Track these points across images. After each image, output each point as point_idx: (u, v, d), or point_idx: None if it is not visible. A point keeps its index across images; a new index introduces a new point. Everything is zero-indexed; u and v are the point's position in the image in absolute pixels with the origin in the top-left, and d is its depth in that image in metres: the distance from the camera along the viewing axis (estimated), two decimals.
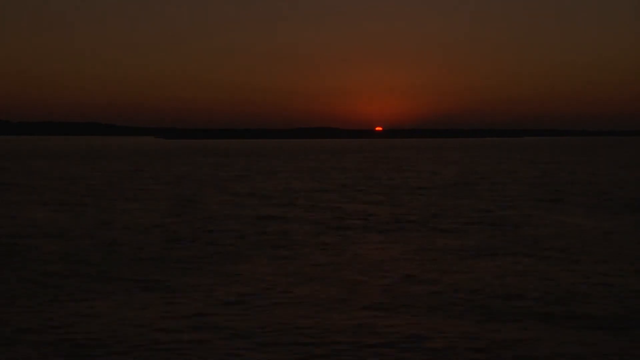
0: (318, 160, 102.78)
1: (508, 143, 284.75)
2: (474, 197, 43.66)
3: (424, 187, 52.08)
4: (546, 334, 14.40)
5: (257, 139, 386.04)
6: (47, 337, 14.16)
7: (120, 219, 32.21)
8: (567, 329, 14.77)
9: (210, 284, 18.82)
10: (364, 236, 27.49)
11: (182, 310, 16.12)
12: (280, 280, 19.32)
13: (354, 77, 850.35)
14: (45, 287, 18.47)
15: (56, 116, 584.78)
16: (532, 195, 44.64)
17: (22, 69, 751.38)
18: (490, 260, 22.25)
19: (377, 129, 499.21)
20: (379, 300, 17.11)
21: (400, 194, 46.31)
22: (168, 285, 18.63)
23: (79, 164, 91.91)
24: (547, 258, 22.66)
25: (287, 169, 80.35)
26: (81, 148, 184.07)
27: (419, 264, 21.64)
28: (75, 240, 26.23)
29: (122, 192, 46.91)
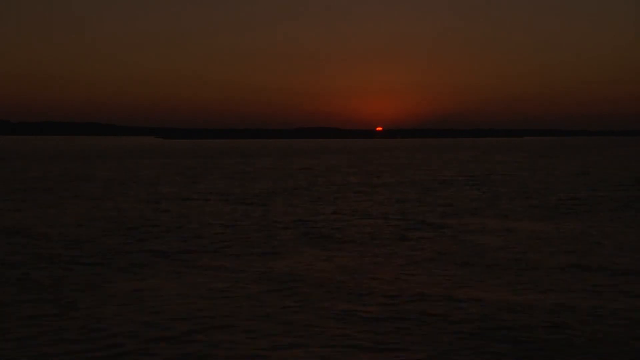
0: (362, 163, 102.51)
1: (508, 143, 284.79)
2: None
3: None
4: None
5: (257, 139, 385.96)
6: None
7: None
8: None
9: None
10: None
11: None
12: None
13: (354, 77, 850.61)
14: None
15: (56, 116, 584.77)
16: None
17: (21, 70, 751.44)
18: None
19: (378, 129, 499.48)
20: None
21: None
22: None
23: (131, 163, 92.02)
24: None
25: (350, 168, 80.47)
26: (97, 148, 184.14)
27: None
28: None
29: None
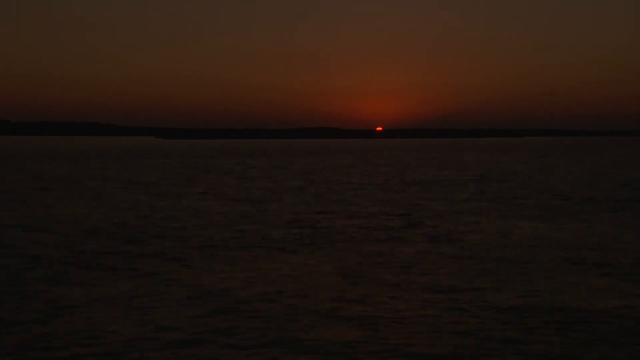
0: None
1: (508, 143, 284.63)
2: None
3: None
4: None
5: (257, 139, 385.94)
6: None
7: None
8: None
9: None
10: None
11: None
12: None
13: (354, 77, 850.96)
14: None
15: (56, 116, 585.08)
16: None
17: (21, 70, 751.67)
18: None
19: (378, 129, 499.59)
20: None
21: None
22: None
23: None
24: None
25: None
26: (100, 148, 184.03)
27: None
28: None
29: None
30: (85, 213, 35.16)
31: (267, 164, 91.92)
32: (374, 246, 25.18)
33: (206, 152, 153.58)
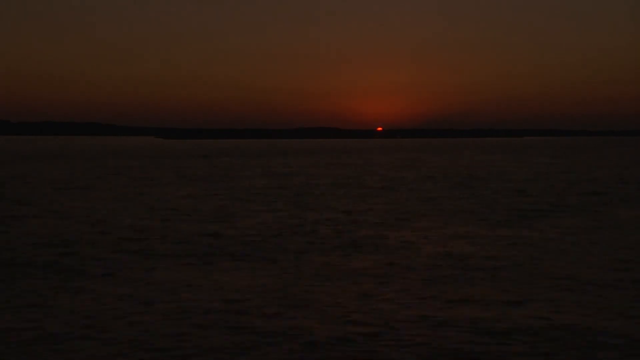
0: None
1: (508, 143, 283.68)
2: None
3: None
4: None
5: (257, 139, 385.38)
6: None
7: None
8: None
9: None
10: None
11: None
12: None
13: (355, 77, 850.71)
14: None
15: (56, 116, 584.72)
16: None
17: (21, 69, 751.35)
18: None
19: (378, 129, 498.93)
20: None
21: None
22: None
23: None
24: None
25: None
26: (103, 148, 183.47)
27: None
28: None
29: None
30: (89, 213, 35.23)
31: (264, 164, 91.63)
32: (326, 256, 23.17)
33: (206, 152, 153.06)
